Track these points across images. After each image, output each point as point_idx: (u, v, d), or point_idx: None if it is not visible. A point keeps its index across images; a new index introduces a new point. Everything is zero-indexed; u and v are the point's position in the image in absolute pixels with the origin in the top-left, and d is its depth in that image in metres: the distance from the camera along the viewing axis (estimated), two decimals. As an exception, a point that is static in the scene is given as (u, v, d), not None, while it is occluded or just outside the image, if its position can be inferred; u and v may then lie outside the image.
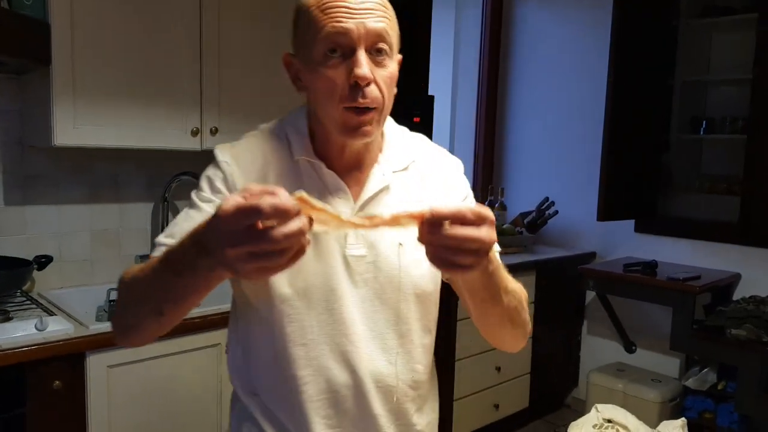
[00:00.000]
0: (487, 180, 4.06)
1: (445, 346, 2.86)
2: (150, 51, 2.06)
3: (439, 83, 3.77)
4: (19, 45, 1.78)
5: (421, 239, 0.74)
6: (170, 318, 0.87)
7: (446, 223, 0.72)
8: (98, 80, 1.95)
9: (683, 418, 1.48)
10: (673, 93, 3.35)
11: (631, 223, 3.49)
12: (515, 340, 1.04)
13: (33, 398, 1.68)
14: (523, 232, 3.62)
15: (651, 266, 3.10)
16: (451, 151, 4.38)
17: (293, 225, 0.66)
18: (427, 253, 0.74)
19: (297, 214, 0.67)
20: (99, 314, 2.11)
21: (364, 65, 0.89)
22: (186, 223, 0.94)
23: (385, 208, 0.99)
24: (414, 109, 2.81)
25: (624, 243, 3.55)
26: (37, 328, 1.68)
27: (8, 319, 1.77)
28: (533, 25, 3.90)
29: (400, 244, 0.99)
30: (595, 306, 3.56)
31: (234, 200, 0.67)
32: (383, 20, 0.92)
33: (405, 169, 1.05)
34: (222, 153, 1.01)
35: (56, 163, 2.20)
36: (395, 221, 0.74)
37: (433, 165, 1.08)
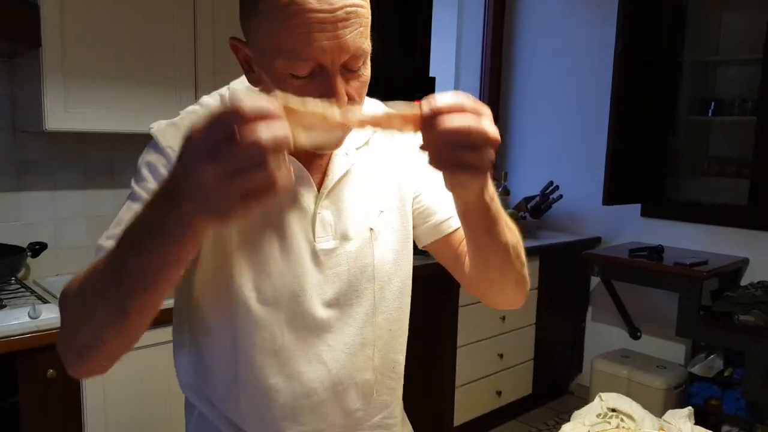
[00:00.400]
0: (490, 164, 4.00)
1: (447, 333, 2.83)
2: (142, 31, 2.01)
3: (441, 65, 3.70)
4: (7, 27, 1.74)
5: (423, 142, 0.68)
6: (136, 319, 0.70)
7: (446, 117, 0.66)
8: (89, 63, 1.90)
9: (689, 408, 1.44)
10: (681, 73, 3.28)
11: (637, 207, 3.43)
12: (519, 288, 0.95)
13: (27, 387, 1.65)
14: (526, 217, 3.57)
15: (657, 251, 3.05)
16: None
17: (279, 128, 0.57)
18: (429, 155, 0.69)
19: (281, 117, 0.58)
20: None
21: (343, 100, 0.77)
22: (129, 216, 0.80)
23: (351, 196, 0.93)
24: (414, 91, 2.75)
25: (630, 228, 3.50)
26: (30, 316, 1.65)
27: (1, 306, 1.74)
28: (538, 4, 3.82)
29: (371, 228, 0.94)
30: (600, 292, 3.52)
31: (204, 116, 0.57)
32: (360, 28, 0.76)
33: (366, 143, 0.97)
34: (163, 135, 0.85)
35: (49, 148, 2.16)
36: (388, 122, 0.67)
37: (396, 142, 0.99)
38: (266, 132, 0.55)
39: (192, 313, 0.92)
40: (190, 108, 0.92)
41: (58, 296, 0.78)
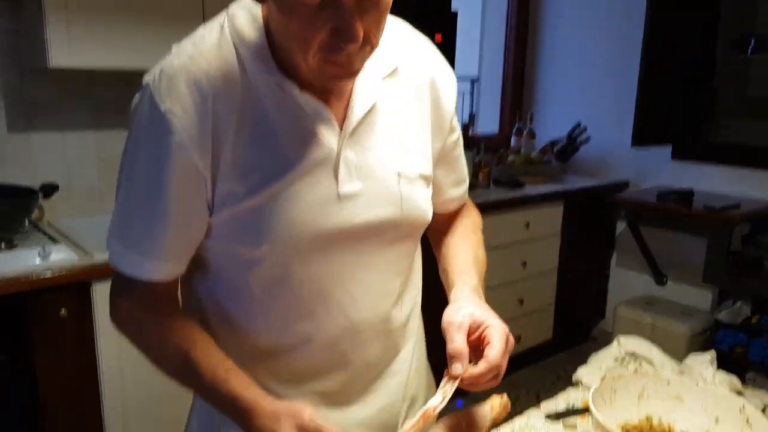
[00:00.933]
0: (516, 104, 3.87)
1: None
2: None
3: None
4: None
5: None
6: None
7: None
8: (92, -3, 1.84)
9: (712, 350, 1.38)
10: (719, 6, 3.07)
11: (667, 150, 3.29)
12: None
13: (39, 326, 1.66)
14: (552, 161, 3.47)
15: (687, 195, 2.93)
16: (478, 73, 4.16)
17: None
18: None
19: None
20: (109, 243, 2.07)
21: (356, 37, 0.69)
22: (140, 220, 0.79)
23: (377, 134, 0.85)
24: (434, 27, 2.63)
25: (660, 171, 3.37)
26: (39, 256, 1.64)
27: (13, 247, 1.74)
28: (568, -65, 3.60)
29: (399, 173, 0.86)
30: (626, 237, 3.43)
31: None
32: None
33: (394, 72, 0.87)
34: (159, 93, 0.74)
35: (59, 88, 2.12)
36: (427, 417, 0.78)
37: (426, 76, 0.90)
38: None
39: (197, 278, 0.88)
40: (185, 46, 0.78)
41: (111, 319, 0.87)
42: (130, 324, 0.85)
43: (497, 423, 0.87)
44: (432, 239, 1.08)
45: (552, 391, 1.29)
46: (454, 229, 1.06)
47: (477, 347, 0.81)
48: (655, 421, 1.11)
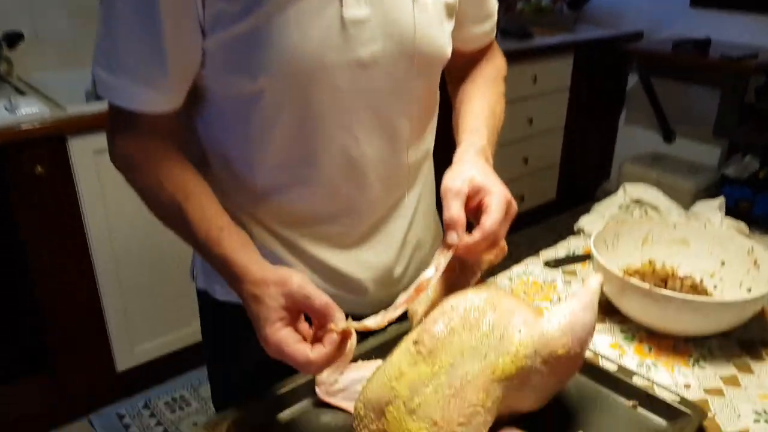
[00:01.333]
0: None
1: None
2: None
3: None
4: None
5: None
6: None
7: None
8: None
9: (721, 197, 1.32)
10: None
11: (686, -5, 3.05)
12: None
13: (15, 184, 1.59)
14: (563, 9, 3.23)
15: (703, 44, 2.75)
16: None
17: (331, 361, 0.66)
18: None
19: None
20: (87, 97, 1.96)
21: None
22: (129, 43, 0.71)
23: None
24: None
25: (676, 20, 3.14)
26: (6, 110, 1.54)
27: (-21, 101, 1.63)
28: None
29: None
30: (637, 92, 3.28)
31: (276, 344, 0.65)
32: None
33: None
34: None
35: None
36: (419, 292, 0.72)
37: None
38: (317, 366, 0.66)
39: (203, 111, 0.81)
40: None
41: (111, 160, 0.80)
42: (126, 162, 0.79)
43: (493, 266, 0.81)
44: (449, 82, 0.99)
45: (543, 246, 1.24)
46: (475, 76, 0.96)
47: (477, 215, 0.75)
48: (658, 265, 1.06)
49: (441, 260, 0.72)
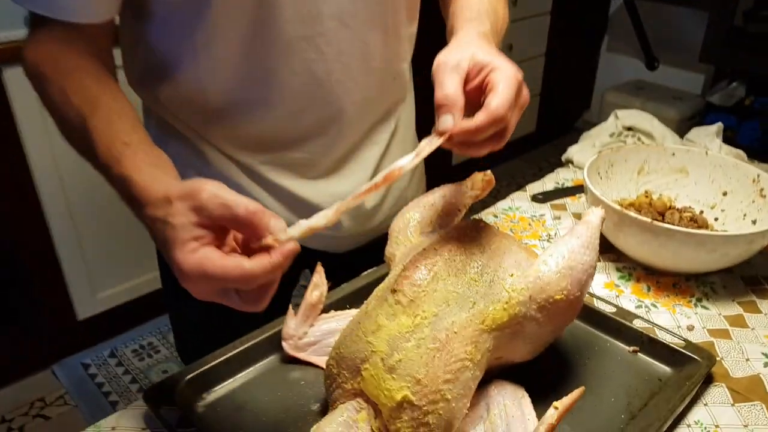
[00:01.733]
0: None
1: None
2: None
3: None
4: None
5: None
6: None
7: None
8: None
9: (719, 123, 1.24)
10: None
11: None
12: None
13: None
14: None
15: (692, -37, 2.61)
16: None
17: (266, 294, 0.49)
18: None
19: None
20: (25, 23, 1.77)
21: None
22: None
23: None
24: None
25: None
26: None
27: None
28: None
29: None
30: (620, 17, 3.14)
31: (195, 266, 0.47)
32: None
33: None
34: None
35: None
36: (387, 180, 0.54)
37: None
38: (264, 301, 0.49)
39: (145, 23, 0.71)
40: None
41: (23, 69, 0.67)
42: (34, 72, 0.65)
43: (478, 201, 0.72)
44: None
45: (530, 180, 1.15)
46: None
47: (477, 103, 0.59)
48: (655, 197, 0.98)
49: (425, 147, 0.57)
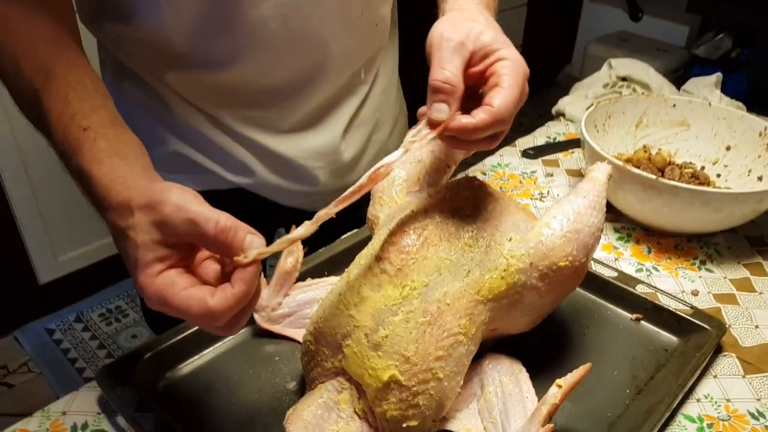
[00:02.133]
0: None
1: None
2: None
3: None
4: None
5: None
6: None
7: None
8: None
9: (719, 73, 1.18)
10: None
11: None
12: None
13: None
14: None
15: None
16: None
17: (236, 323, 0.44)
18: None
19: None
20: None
21: None
22: None
23: None
24: None
25: None
26: None
27: None
28: None
29: None
30: (604, -35, 3.03)
31: (156, 294, 0.41)
32: None
33: None
34: None
35: None
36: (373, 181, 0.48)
37: None
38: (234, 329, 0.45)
39: None
40: None
41: None
42: None
43: (465, 159, 0.65)
44: None
45: (516, 136, 1.07)
46: None
47: (474, 91, 0.52)
48: (653, 152, 0.91)
49: (414, 141, 0.50)
